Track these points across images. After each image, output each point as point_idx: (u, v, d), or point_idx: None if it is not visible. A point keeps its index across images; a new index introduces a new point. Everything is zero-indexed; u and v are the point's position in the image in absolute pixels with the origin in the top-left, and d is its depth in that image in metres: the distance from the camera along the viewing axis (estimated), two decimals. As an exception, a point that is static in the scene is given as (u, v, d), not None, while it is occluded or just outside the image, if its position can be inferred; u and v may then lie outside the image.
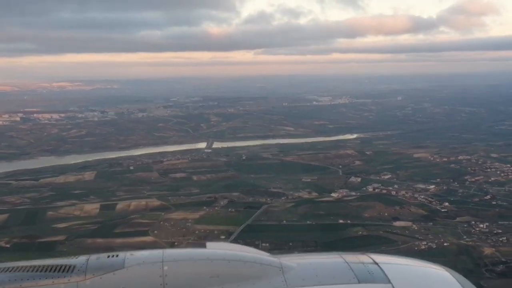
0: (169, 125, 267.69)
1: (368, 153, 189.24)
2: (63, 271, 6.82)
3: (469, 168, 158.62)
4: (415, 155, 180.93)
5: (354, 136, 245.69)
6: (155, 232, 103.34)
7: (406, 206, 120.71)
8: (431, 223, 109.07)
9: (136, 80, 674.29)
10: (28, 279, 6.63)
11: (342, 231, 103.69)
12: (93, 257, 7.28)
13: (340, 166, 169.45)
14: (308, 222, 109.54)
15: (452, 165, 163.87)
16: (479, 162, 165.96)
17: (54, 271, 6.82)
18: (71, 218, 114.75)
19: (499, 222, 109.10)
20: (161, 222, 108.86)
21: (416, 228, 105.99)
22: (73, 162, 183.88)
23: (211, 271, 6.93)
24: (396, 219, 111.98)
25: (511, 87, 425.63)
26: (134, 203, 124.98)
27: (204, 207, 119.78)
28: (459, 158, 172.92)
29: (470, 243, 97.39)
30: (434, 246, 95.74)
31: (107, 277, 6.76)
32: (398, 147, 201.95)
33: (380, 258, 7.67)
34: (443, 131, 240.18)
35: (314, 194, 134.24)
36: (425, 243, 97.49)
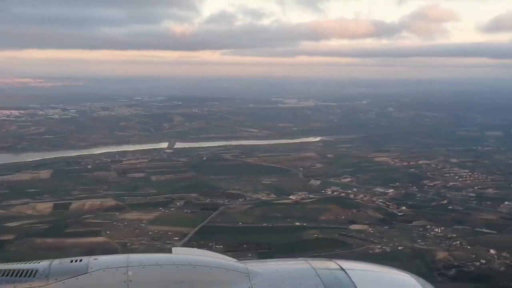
0: (131, 124, 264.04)
1: (329, 156, 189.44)
2: (24, 275, 6.54)
3: (429, 173, 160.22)
4: (376, 159, 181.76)
5: (318, 139, 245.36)
6: (108, 232, 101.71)
7: (363, 210, 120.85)
8: (387, 227, 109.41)
9: (101, 78, 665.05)
10: None
11: (297, 233, 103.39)
12: (56, 262, 6.98)
13: (301, 169, 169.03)
14: (264, 224, 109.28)
15: (412, 170, 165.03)
16: (439, 167, 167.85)
17: (15, 275, 6.55)
18: (23, 217, 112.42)
19: (454, 227, 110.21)
20: (115, 223, 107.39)
21: (371, 231, 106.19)
22: (30, 160, 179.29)
23: (176, 276, 6.73)
24: (353, 222, 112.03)
25: (474, 94, 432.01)
26: (88, 203, 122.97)
27: (160, 208, 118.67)
28: (419, 162, 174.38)
29: (424, 247, 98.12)
30: (388, 250, 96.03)
31: (70, 282, 6.45)
32: (360, 150, 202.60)
33: (346, 264, 7.56)
34: (405, 135, 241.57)
35: (273, 196, 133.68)
36: (380, 246, 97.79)
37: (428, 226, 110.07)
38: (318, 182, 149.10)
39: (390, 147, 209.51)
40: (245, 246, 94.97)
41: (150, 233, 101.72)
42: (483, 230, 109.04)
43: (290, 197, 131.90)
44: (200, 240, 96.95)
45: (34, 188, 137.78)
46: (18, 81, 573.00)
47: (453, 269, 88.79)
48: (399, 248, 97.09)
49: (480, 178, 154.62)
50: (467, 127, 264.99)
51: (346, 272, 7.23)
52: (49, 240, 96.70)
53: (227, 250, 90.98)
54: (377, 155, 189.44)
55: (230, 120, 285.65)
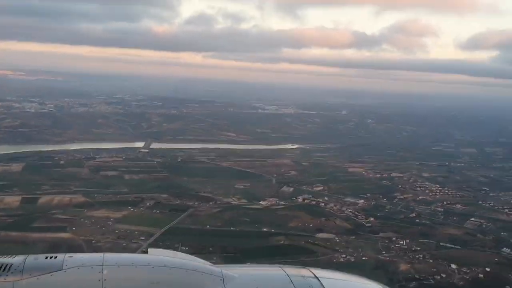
0: (109, 121, 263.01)
1: (304, 164, 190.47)
2: None
3: (400, 186, 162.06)
4: (350, 169, 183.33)
5: (295, 146, 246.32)
6: (74, 228, 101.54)
7: (332, 219, 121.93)
8: (354, 237, 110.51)
9: (82, 74, 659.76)
10: None
11: (264, 239, 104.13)
12: (31, 257, 6.96)
13: (275, 175, 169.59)
14: (232, 228, 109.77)
15: (384, 182, 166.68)
16: (410, 180, 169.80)
17: None
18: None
19: (420, 240, 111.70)
20: (82, 219, 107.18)
21: (338, 240, 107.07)
22: (2, 152, 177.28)
23: (151, 277, 6.75)
24: (320, 230, 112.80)
25: (453, 110, 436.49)
26: (57, 198, 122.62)
27: (129, 207, 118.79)
28: (391, 175, 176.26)
29: (388, 258, 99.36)
30: (353, 260, 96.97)
31: (44, 278, 6.45)
32: (335, 160, 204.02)
33: (320, 273, 7.68)
34: (382, 147, 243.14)
35: (244, 201, 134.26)
36: (344, 256, 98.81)
37: (394, 238, 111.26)
38: (291, 189, 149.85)
39: (366, 158, 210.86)
40: (210, 249, 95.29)
41: (117, 231, 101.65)
42: (447, 244, 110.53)
43: (260, 202, 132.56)
44: (166, 241, 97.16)
45: (4, 181, 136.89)
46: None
47: (414, 282, 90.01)
48: (363, 258, 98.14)
49: (449, 193, 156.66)
50: (443, 143, 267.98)
51: (319, 280, 7.35)
52: (13, 233, 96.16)
53: (192, 252, 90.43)
54: (352, 165, 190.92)
55: (209, 123, 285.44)
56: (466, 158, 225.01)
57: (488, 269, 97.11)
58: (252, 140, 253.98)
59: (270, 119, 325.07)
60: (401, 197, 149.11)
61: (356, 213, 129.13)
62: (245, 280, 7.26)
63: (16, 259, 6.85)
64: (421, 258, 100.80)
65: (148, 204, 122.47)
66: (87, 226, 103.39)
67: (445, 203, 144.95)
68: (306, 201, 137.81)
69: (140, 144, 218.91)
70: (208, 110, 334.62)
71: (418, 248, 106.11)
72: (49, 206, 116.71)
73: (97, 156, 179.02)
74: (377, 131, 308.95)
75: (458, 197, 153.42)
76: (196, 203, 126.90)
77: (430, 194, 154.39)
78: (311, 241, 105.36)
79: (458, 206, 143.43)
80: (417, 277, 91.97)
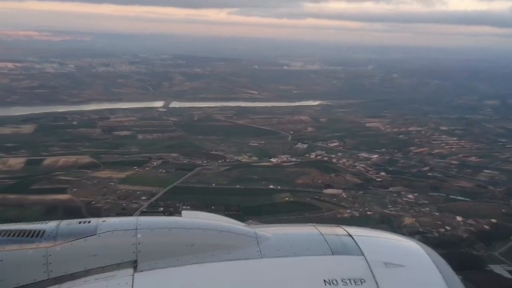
0: (129, 81, 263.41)
1: (322, 120, 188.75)
2: (31, 236, 6.47)
3: (416, 140, 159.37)
4: (368, 125, 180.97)
5: (317, 103, 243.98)
6: (74, 190, 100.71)
7: (342, 174, 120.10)
8: (362, 192, 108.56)
9: (109, 34, 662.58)
10: None
11: (269, 196, 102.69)
12: (64, 223, 6.90)
13: (291, 132, 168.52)
14: (237, 186, 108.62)
15: (401, 136, 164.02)
16: (428, 134, 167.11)
17: (22, 236, 6.48)
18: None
19: (429, 193, 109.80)
20: (84, 180, 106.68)
21: (345, 196, 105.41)
22: (17, 114, 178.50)
23: (185, 239, 6.74)
24: (328, 186, 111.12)
25: (479, 63, 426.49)
26: (63, 159, 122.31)
27: (135, 167, 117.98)
28: (409, 129, 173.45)
29: (393, 212, 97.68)
30: (357, 215, 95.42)
31: (78, 243, 6.42)
32: (355, 115, 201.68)
33: (354, 231, 7.57)
34: (405, 102, 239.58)
35: (254, 158, 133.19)
36: (349, 211, 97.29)
37: (403, 192, 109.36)
38: (305, 146, 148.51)
39: (386, 113, 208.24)
40: (213, 207, 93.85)
41: (118, 192, 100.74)
42: (457, 197, 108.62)
43: (271, 160, 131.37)
44: (167, 200, 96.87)
45: (13, 142, 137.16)
46: (23, 33, 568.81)
47: (417, 235, 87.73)
48: (368, 213, 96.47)
49: (466, 146, 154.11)
50: (467, 96, 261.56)
51: (353, 238, 7.22)
52: (10, 196, 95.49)
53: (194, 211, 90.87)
54: (370, 120, 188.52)
55: (231, 81, 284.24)
56: (488, 111, 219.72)
57: (494, 221, 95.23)
58: (274, 97, 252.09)
59: (294, 75, 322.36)
60: (416, 151, 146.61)
61: (368, 168, 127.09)
62: (279, 240, 7.13)
63: (49, 225, 6.80)
64: (427, 212, 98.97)
65: (155, 163, 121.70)
66: (88, 187, 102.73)
67: (460, 156, 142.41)
68: (318, 157, 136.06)
69: (159, 104, 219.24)
70: (232, 68, 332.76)
71: (426, 202, 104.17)
72: (53, 168, 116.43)
73: (112, 116, 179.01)
74: (402, 86, 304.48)
75: (474, 149, 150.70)
76: (204, 161, 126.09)
77: (446, 147, 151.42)
78: (317, 197, 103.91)
79: (473, 158, 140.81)
80: (421, 230, 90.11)
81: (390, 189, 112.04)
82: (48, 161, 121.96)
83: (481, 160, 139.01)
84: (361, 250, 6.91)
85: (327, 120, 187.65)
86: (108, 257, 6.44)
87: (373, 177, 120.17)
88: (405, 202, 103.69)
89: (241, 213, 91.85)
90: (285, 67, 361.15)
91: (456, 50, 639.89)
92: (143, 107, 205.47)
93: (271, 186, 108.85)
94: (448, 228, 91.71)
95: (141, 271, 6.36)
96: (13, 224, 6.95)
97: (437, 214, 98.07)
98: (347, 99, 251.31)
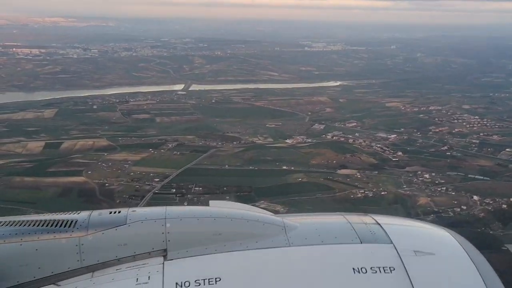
0: (150, 65, 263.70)
1: (341, 100, 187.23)
2: (64, 226, 6.66)
3: (437, 119, 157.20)
4: (388, 104, 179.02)
5: (338, 83, 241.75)
6: (89, 172, 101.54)
7: (358, 155, 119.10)
8: (376, 172, 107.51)
9: (134, 19, 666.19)
10: (29, 233, 6.49)
11: (281, 177, 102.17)
12: (95, 213, 7.11)
13: (309, 113, 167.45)
14: (250, 167, 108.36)
15: (421, 115, 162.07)
16: (449, 113, 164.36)
17: (56, 226, 6.66)
18: (11, 155, 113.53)
19: (447, 173, 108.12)
20: (99, 163, 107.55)
21: (359, 176, 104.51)
22: (40, 99, 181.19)
23: (214, 229, 6.85)
24: (343, 167, 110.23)
25: (509, 40, 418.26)
26: (80, 143, 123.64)
27: (150, 149, 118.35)
28: (430, 108, 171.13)
29: (408, 192, 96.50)
30: (371, 195, 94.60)
31: (109, 232, 6.65)
32: (375, 95, 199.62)
33: (382, 219, 7.56)
34: (427, 81, 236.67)
35: (270, 140, 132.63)
36: (363, 191, 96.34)
37: (419, 172, 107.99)
38: (322, 127, 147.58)
39: (408, 92, 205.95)
40: (225, 188, 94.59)
41: (132, 174, 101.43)
42: (476, 176, 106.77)
43: (286, 141, 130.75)
44: (180, 182, 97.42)
45: (34, 127, 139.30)
46: (50, 20, 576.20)
47: (432, 215, 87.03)
48: (382, 193, 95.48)
49: (488, 124, 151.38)
50: (493, 74, 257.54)
51: (382, 227, 7.20)
52: (27, 179, 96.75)
53: (205, 192, 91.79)
54: (391, 100, 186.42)
55: (252, 63, 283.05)
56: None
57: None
58: (294, 78, 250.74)
59: (315, 56, 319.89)
60: (436, 130, 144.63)
61: (385, 148, 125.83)
62: (307, 229, 7.18)
63: (81, 215, 6.99)
64: (443, 191, 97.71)
65: (170, 146, 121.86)
66: (103, 170, 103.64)
67: (481, 134, 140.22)
68: (334, 138, 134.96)
69: (179, 87, 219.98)
70: (253, 50, 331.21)
71: (443, 181, 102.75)
72: (70, 151, 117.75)
73: (132, 100, 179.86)
74: (426, 65, 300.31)
75: (496, 128, 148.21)
76: (219, 143, 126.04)
77: (468, 126, 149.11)
78: (331, 177, 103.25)
79: (495, 137, 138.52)
80: (436, 210, 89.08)
81: (407, 169, 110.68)
82: (66, 144, 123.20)
83: (503, 138, 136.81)
84: (390, 238, 6.88)
85: (346, 101, 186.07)
86: (138, 246, 6.62)
87: (389, 157, 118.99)
88: (420, 182, 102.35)
89: (253, 194, 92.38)
90: (306, 48, 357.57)
91: (484, 28, 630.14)
92: (163, 90, 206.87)
93: (284, 167, 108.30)
94: (464, 207, 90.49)
95: (171, 259, 6.48)
96: (47, 214, 7.10)
97: (453, 193, 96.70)
98: (369, 79, 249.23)
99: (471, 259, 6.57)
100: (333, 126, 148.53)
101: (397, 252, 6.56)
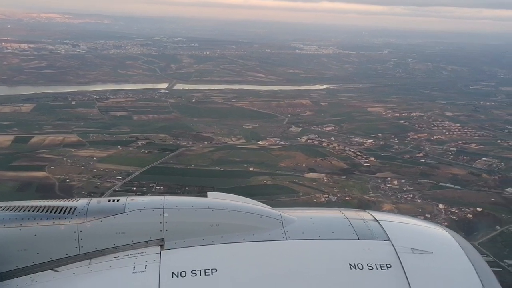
0: (137, 63, 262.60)
1: (323, 104, 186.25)
2: (63, 212, 6.61)
3: (417, 125, 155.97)
4: (369, 109, 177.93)
5: (324, 87, 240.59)
6: (52, 168, 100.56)
7: (329, 159, 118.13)
8: (345, 177, 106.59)
9: (130, 17, 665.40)
10: (28, 219, 6.45)
11: (246, 178, 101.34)
12: (94, 200, 7.10)
13: (289, 115, 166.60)
14: (217, 167, 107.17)
15: (401, 121, 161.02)
16: (430, 120, 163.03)
17: (55, 212, 6.61)
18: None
19: (418, 180, 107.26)
20: (65, 159, 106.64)
21: (325, 180, 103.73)
22: (21, 93, 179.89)
23: (211, 220, 6.79)
24: (311, 170, 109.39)
25: (505, 48, 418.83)
26: (50, 138, 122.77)
27: (119, 147, 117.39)
28: (411, 114, 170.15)
29: (373, 198, 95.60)
30: (334, 200, 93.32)
31: (107, 220, 6.63)
32: (359, 100, 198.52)
33: (380, 216, 7.46)
34: (415, 87, 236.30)
35: (242, 141, 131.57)
36: (327, 196, 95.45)
37: (389, 178, 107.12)
38: (298, 130, 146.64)
39: (393, 98, 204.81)
40: (186, 188, 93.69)
41: (95, 170, 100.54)
42: (447, 184, 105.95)
43: (259, 142, 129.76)
44: (142, 180, 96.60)
45: (8, 120, 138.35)
46: (45, 15, 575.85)
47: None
48: (346, 198, 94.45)
49: (468, 132, 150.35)
50: (483, 82, 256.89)
51: (379, 223, 7.10)
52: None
53: (166, 192, 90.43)
54: (373, 105, 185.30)
55: (239, 64, 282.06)
56: (502, 97, 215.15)
57: (479, 209, 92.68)
58: (280, 81, 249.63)
59: (305, 59, 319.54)
60: (414, 136, 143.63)
61: (358, 153, 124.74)
62: (304, 223, 7.10)
63: (80, 202, 6.95)
64: (410, 199, 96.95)
65: (139, 144, 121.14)
66: (66, 165, 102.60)
67: (460, 142, 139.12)
68: (309, 141, 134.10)
69: (163, 85, 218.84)
70: (243, 51, 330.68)
71: (411, 188, 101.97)
72: (39, 146, 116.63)
73: (112, 97, 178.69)
74: (416, 71, 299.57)
75: (476, 136, 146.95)
76: (190, 143, 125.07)
77: (447, 133, 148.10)
78: (297, 180, 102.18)
79: (473, 145, 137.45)
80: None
81: (377, 174, 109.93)
82: (36, 139, 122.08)
83: (481, 147, 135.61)
84: (387, 235, 6.81)
85: (328, 104, 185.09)
86: (136, 235, 6.61)
87: (361, 162, 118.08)
88: (388, 188, 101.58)
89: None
90: (297, 51, 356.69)
91: (480, 35, 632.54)
92: (146, 88, 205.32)
93: (251, 169, 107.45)
94: (428, 216, 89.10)
95: (168, 249, 6.48)
96: (46, 200, 7.00)
97: (419, 201, 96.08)
98: (356, 83, 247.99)
99: (468, 258, 6.51)
100: (310, 129, 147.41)
101: (394, 249, 6.52)
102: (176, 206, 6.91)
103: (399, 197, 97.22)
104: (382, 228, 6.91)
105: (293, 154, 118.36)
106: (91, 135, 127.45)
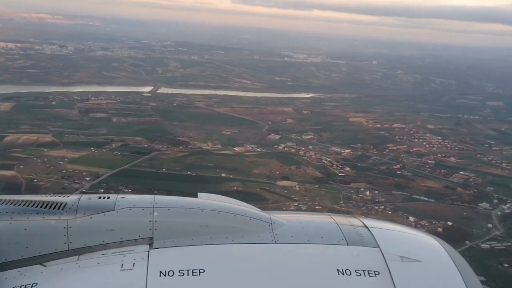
0: (123, 65, 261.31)
1: (305, 112, 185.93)
2: (54, 208, 6.62)
3: (397, 137, 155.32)
4: (351, 119, 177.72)
5: (309, 95, 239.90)
6: (21, 167, 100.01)
7: (304, 167, 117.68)
8: (317, 186, 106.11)
9: (121, 19, 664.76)
10: (19, 213, 6.49)
11: (217, 184, 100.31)
12: (85, 197, 7.07)
13: (270, 123, 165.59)
14: (188, 172, 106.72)
15: (382, 132, 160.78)
16: (411, 132, 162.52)
17: (45, 207, 6.62)
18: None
19: (391, 192, 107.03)
20: (35, 158, 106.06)
21: (297, 189, 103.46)
22: (3, 92, 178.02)
23: (201, 220, 6.77)
24: (285, 178, 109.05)
25: (496, 62, 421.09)
26: (25, 137, 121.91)
27: (92, 148, 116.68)
28: (393, 125, 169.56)
29: (343, 208, 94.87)
30: (304, 208, 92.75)
31: (97, 217, 6.60)
32: (342, 110, 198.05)
33: (370, 222, 7.46)
34: (401, 98, 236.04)
35: (218, 146, 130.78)
36: (296, 204, 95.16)
37: (362, 189, 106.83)
38: (277, 137, 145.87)
39: (377, 108, 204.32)
40: (155, 192, 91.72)
41: (64, 171, 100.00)
42: (420, 197, 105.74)
43: (235, 148, 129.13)
44: (110, 182, 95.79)
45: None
46: (36, 16, 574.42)
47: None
48: (316, 207, 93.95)
49: (449, 145, 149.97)
50: (471, 95, 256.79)
51: (369, 230, 7.07)
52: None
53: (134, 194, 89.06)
54: (356, 115, 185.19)
55: (226, 70, 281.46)
56: (487, 111, 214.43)
57: (450, 223, 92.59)
58: (266, 88, 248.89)
59: (294, 67, 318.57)
60: (394, 148, 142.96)
61: (335, 162, 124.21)
62: (294, 226, 7.05)
63: (71, 198, 6.90)
64: (380, 210, 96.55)
65: (114, 146, 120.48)
66: (36, 165, 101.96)
67: (439, 155, 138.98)
68: (286, 149, 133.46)
69: (147, 89, 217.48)
70: (231, 57, 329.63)
71: (383, 200, 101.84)
72: (12, 145, 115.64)
73: (93, 98, 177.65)
74: (404, 82, 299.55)
75: (456, 149, 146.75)
76: (165, 146, 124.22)
77: (427, 146, 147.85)
78: (268, 188, 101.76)
79: (452, 159, 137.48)
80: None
81: (351, 185, 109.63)
82: (10, 138, 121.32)
83: (460, 161, 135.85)
84: (376, 242, 6.79)
85: (310, 113, 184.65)
86: (125, 233, 6.55)
87: (336, 171, 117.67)
88: (360, 199, 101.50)
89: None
90: (286, 59, 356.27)
91: (472, 49, 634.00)
92: (129, 91, 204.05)
93: (223, 175, 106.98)
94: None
95: (157, 248, 6.40)
96: (37, 195, 6.99)
97: (389, 213, 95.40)
98: (342, 93, 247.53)
99: (457, 268, 6.46)
100: (289, 137, 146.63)
101: (383, 257, 6.46)
102: (166, 205, 6.88)
103: (369, 208, 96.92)
104: (372, 235, 6.91)
105: (268, 162, 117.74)
106: (66, 135, 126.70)
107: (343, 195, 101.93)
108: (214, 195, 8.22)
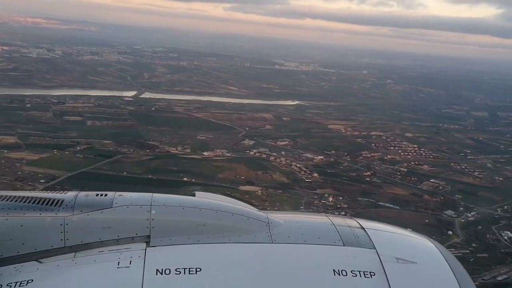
0: (110, 70, 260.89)
1: (285, 119, 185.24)
2: (50, 204, 6.52)
3: (373, 144, 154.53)
4: (330, 126, 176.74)
5: (295, 102, 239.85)
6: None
7: (271, 172, 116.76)
8: (281, 191, 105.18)
9: (118, 25, 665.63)
10: (15, 209, 6.34)
11: (177, 188, 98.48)
12: (82, 194, 6.96)
13: (247, 128, 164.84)
14: (149, 176, 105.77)
15: (359, 140, 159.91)
16: (388, 140, 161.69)
17: (42, 203, 6.52)
18: None
19: (357, 198, 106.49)
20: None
21: (259, 194, 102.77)
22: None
23: (198, 219, 6.71)
24: (249, 183, 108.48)
25: (488, 74, 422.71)
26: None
27: (55, 151, 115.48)
28: (371, 133, 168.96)
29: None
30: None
31: (94, 215, 6.48)
32: (323, 117, 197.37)
33: (367, 224, 7.50)
34: (386, 108, 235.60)
35: (187, 150, 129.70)
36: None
37: (326, 195, 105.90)
38: (251, 143, 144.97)
39: (359, 116, 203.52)
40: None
41: (19, 173, 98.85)
42: (386, 204, 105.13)
43: (204, 153, 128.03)
44: (65, 185, 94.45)
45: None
46: (32, 20, 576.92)
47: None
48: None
49: (424, 154, 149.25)
50: (457, 106, 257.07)
51: (365, 231, 7.07)
52: None
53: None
54: (335, 123, 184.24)
55: (213, 76, 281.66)
56: (470, 121, 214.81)
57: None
58: (252, 94, 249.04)
59: (282, 75, 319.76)
60: (368, 155, 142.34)
61: (304, 168, 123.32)
62: (291, 227, 7.01)
63: (68, 195, 6.83)
64: (341, 216, 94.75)
65: (78, 148, 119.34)
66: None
67: (412, 163, 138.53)
68: (257, 154, 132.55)
69: (130, 93, 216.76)
70: (221, 64, 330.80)
71: (345, 206, 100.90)
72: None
73: (71, 102, 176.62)
74: (392, 92, 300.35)
75: (431, 158, 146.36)
76: (131, 150, 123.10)
77: (402, 154, 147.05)
78: (229, 192, 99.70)
79: (425, 166, 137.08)
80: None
81: (317, 191, 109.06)
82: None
83: (433, 169, 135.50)
84: (373, 244, 6.77)
85: (290, 120, 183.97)
86: (122, 231, 6.44)
87: (303, 177, 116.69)
88: (321, 205, 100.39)
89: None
90: (276, 67, 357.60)
91: (465, 61, 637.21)
92: (111, 95, 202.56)
93: (185, 179, 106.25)
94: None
95: (154, 246, 6.30)
96: (34, 191, 6.93)
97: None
98: (328, 101, 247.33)
99: (452, 270, 6.44)
100: (263, 143, 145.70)
101: (379, 258, 6.44)
102: (164, 203, 6.79)
103: (330, 213, 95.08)
104: (368, 236, 6.90)
105: (235, 166, 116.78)
106: (32, 137, 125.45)
107: (305, 201, 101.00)
108: (212, 194, 8.17)
